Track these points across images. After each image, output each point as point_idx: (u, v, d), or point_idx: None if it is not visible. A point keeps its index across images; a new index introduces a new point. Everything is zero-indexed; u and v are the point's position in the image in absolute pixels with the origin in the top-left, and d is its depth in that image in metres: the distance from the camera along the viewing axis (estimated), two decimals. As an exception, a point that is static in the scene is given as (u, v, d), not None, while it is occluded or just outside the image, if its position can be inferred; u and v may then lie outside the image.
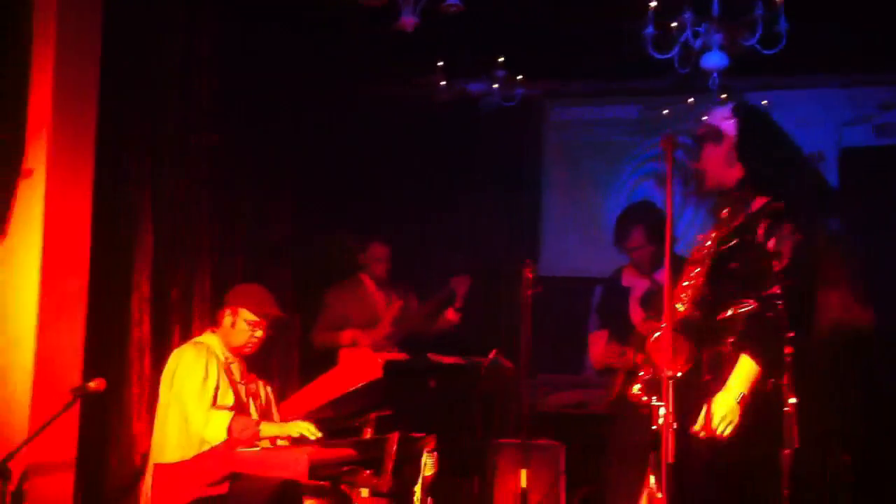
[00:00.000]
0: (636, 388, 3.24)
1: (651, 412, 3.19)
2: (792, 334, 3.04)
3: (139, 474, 4.00)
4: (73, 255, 4.06)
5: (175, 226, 4.67)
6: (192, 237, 4.77)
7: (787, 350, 3.02)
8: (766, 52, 4.76)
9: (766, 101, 5.82)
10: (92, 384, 3.65)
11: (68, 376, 3.92)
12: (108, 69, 4.22)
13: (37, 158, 3.98)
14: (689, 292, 3.24)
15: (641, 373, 3.26)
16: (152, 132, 4.56)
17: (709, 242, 3.24)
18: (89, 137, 4.15)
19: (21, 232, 3.95)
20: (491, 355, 4.21)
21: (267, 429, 3.87)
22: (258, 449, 3.67)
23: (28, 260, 3.92)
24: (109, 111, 4.26)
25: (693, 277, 3.21)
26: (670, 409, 2.86)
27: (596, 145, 6.74)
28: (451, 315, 5.22)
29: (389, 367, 3.69)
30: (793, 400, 2.97)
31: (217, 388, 3.87)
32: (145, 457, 3.99)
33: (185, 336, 4.46)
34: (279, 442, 3.90)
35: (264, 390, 4.14)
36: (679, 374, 2.96)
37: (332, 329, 5.17)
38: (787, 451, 2.97)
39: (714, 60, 4.95)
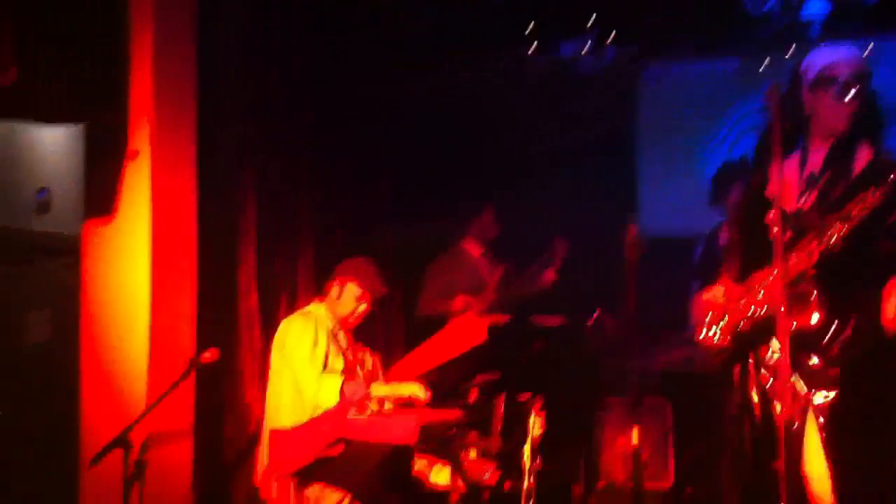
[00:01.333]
0: (714, 330, 3.17)
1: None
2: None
3: (255, 441, 4.10)
4: (181, 231, 4.17)
5: (277, 199, 4.75)
6: (293, 211, 4.84)
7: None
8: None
9: (867, 53, 5.56)
10: (206, 355, 3.75)
11: (183, 349, 4.06)
12: (205, 48, 4.29)
13: (141, 141, 4.09)
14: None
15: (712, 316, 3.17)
16: (252, 108, 4.63)
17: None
18: (190, 117, 4.25)
19: (130, 212, 4.08)
20: (595, 315, 4.17)
21: (378, 389, 3.93)
22: (367, 415, 3.72)
23: (138, 239, 4.04)
24: (209, 90, 4.34)
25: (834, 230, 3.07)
26: (788, 362, 2.75)
27: (693, 102, 6.54)
28: (549, 275, 5.19)
29: (494, 330, 3.69)
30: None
31: (327, 355, 3.95)
32: (259, 424, 4.09)
33: (292, 306, 4.55)
34: (387, 406, 3.95)
35: (370, 359, 4.20)
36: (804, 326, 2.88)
37: (441, 297, 5.20)
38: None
39: (815, 8, 4.74)
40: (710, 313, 3.22)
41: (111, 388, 4.03)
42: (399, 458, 3.71)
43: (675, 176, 6.47)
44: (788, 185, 3.14)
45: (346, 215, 5.19)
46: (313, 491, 3.72)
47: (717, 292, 3.26)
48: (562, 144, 6.33)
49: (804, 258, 3.04)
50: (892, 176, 2.96)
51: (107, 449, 3.48)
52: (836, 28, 5.25)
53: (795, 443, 3.05)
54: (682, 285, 4.72)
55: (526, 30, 5.76)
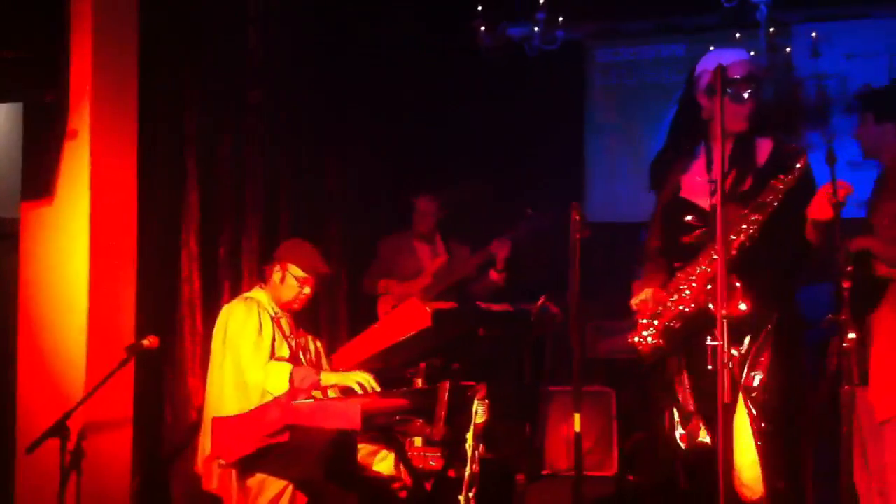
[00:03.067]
0: (645, 334, 3.22)
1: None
2: (850, 269, 2.97)
3: (195, 430, 4.04)
4: (121, 214, 4.09)
5: (221, 182, 4.69)
6: (238, 193, 4.78)
7: (846, 284, 2.95)
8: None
9: (814, 34, 5.65)
10: (146, 341, 3.69)
11: (122, 335, 3.99)
12: (147, 29, 4.21)
13: (81, 121, 4.00)
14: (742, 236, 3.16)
15: (645, 320, 3.24)
16: (196, 90, 4.56)
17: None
18: (131, 98, 4.17)
19: (69, 194, 3.99)
20: (539, 302, 4.17)
21: (327, 377, 3.90)
22: (311, 401, 3.69)
23: (77, 221, 3.96)
24: (151, 71, 4.26)
25: (749, 222, 3.13)
26: (726, 349, 2.79)
27: (642, 87, 6.60)
28: (494, 276, 5.18)
29: (438, 316, 3.67)
30: (852, 335, 2.91)
31: (273, 342, 3.90)
32: (200, 411, 4.04)
33: (235, 292, 4.49)
34: (330, 393, 3.91)
35: (313, 344, 4.16)
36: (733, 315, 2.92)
37: (378, 277, 5.22)
38: (847, 388, 2.92)
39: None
40: (641, 317, 3.29)
41: (48, 375, 3.95)
42: (342, 445, 3.68)
43: (622, 161, 6.51)
44: (698, 186, 3.23)
45: (292, 201, 5.12)
46: (255, 480, 3.67)
47: (646, 295, 3.32)
48: (510, 128, 6.32)
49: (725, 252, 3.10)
50: (798, 162, 3.06)
51: (43, 437, 3.41)
52: (782, 11, 5.32)
53: (727, 431, 3.11)
54: (629, 272, 4.75)
55: (475, 8, 5.75)
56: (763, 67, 3.29)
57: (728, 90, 3.10)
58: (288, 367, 3.80)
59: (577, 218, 3.52)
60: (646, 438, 5.11)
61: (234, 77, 4.81)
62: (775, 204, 3.10)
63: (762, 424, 3.13)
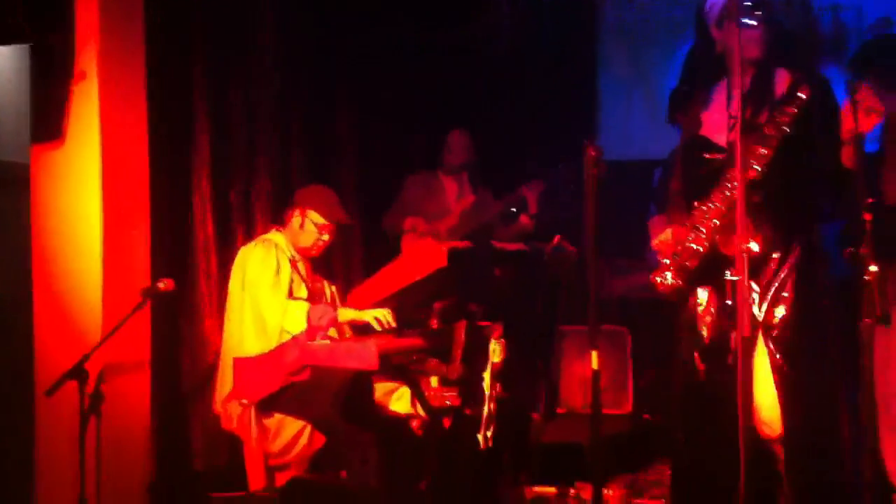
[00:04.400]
0: (667, 274, 3.20)
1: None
2: (871, 200, 2.93)
3: (212, 371, 4.06)
4: (132, 156, 4.06)
5: (231, 124, 4.64)
6: (249, 136, 4.73)
7: (866, 217, 2.92)
8: None
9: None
10: (161, 284, 3.69)
11: (137, 278, 3.98)
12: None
13: (88, 62, 3.95)
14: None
15: (667, 260, 3.21)
16: (205, 32, 4.50)
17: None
18: (139, 40, 4.13)
19: (78, 137, 3.96)
20: (554, 241, 4.16)
21: (344, 314, 3.90)
22: (328, 342, 3.69)
23: (88, 164, 3.93)
24: (160, 12, 4.21)
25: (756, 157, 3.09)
26: (746, 284, 2.77)
27: (653, 23, 6.48)
28: (525, 220, 5.12)
29: (454, 255, 3.66)
30: (873, 268, 2.88)
31: (291, 282, 3.91)
32: (217, 354, 4.05)
33: (249, 234, 4.48)
34: (347, 333, 3.92)
35: (329, 289, 4.16)
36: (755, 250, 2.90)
37: (405, 214, 5.16)
38: (867, 321, 2.89)
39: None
40: (663, 257, 3.27)
41: (65, 319, 3.95)
42: (359, 385, 3.69)
43: (635, 98, 6.42)
44: (717, 123, 3.19)
45: (303, 143, 5.07)
46: (273, 420, 3.70)
47: (667, 235, 3.30)
48: (521, 69, 6.23)
49: (735, 188, 3.06)
50: (801, 92, 3.01)
51: (62, 380, 3.43)
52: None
53: (746, 369, 3.11)
54: (643, 211, 4.71)
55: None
56: None
57: (737, 19, 3.04)
58: (305, 305, 3.82)
59: (593, 154, 3.48)
60: (661, 376, 5.12)
61: (245, 20, 4.73)
62: (781, 136, 3.05)
63: (782, 362, 3.13)
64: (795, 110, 3.07)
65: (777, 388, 3.14)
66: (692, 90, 3.47)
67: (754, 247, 2.97)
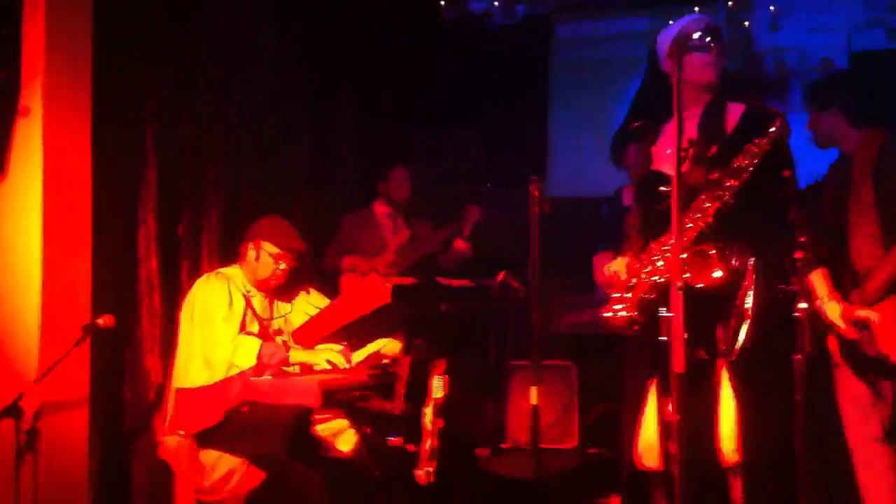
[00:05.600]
0: (618, 308, 3.21)
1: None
2: (803, 239, 3.00)
3: (154, 409, 4.02)
4: (75, 192, 4.03)
5: (179, 160, 4.62)
6: (198, 171, 4.73)
7: (798, 255, 2.98)
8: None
9: (773, 7, 5.67)
10: (101, 321, 3.66)
11: (78, 314, 3.93)
12: (103, 8, 4.15)
13: (33, 97, 3.93)
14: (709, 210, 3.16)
15: (618, 294, 3.23)
16: (155, 67, 4.49)
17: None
18: (86, 75, 4.10)
19: (21, 171, 3.93)
20: (499, 277, 4.16)
21: (296, 354, 3.88)
22: (270, 378, 3.67)
23: (30, 199, 3.90)
24: (109, 48, 4.20)
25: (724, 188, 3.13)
26: (680, 320, 2.79)
27: (605, 61, 6.60)
28: (459, 245, 5.18)
29: (398, 291, 3.65)
30: (803, 305, 2.94)
31: (243, 317, 3.89)
32: (160, 390, 4.01)
33: (195, 270, 4.46)
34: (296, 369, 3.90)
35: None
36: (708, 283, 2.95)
37: (341, 254, 5.21)
38: (798, 357, 2.95)
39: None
40: (615, 289, 3.27)
41: (1, 354, 3.89)
42: (300, 423, 3.68)
43: (586, 135, 6.52)
44: (668, 156, 3.22)
45: (254, 177, 5.08)
46: (209, 456, 3.67)
47: (618, 266, 3.31)
48: (474, 103, 6.30)
49: (699, 219, 3.10)
50: (772, 126, 3.06)
51: (-3, 417, 3.38)
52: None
53: (710, 400, 3.14)
54: (592, 247, 4.77)
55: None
56: (718, 25, 3.27)
57: (691, 43, 3.11)
58: (257, 342, 3.79)
59: (536, 193, 3.53)
60: (608, 410, 5.15)
61: (196, 54, 4.73)
62: (751, 168, 3.08)
63: (742, 389, 3.14)
64: (767, 144, 3.09)
65: (737, 416, 3.14)
66: (642, 127, 3.52)
67: (717, 274, 3.02)
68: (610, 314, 3.23)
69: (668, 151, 3.24)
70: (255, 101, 5.14)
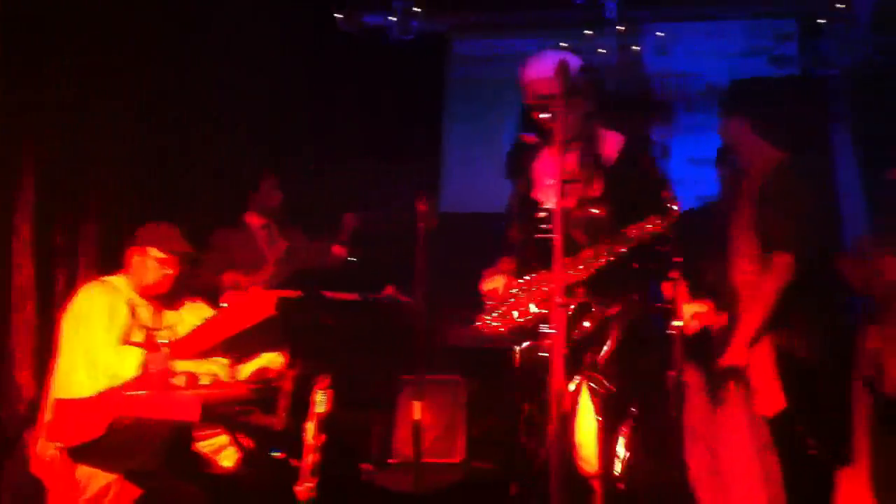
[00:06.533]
0: (488, 318, 3.27)
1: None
2: (679, 259, 3.08)
3: (25, 424, 3.87)
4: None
5: (59, 168, 4.49)
6: (77, 179, 4.59)
7: (673, 275, 3.06)
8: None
9: (662, 34, 5.83)
10: (-31, 332, 3.52)
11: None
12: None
13: None
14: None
15: (491, 304, 3.28)
16: (28, 72, 4.36)
17: None
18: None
19: None
20: (387, 291, 4.16)
21: (181, 364, 3.79)
22: (147, 392, 3.58)
23: None
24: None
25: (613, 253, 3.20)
26: (561, 336, 2.84)
27: (499, 80, 6.67)
28: (336, 250, 5.13)
29: (282, 305, 3.61)
30: (678, 322, 3.02)
31: (127, 327, 3.79)
32: (32, 405, 3.87)
33: (71, 281, 4.33)
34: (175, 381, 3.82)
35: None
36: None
37: (217, 271, 5.01)
38: (672, 373, 3.03)
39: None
40: (491, 302, 3.33)
41: None
42: (179, 438, 3.60)
43: (479, 152, 6.58)
44: (547, 186, 3.27)
45: (135, 184, 4.96)
46: (83, 472, 3.56)
47: (497, 283, 3.36)
48: (368, 117, 6.30)
49: (582, 270, 3.16)
50: (674, 208, 3.11)
51: None
52: (632, 11, 5.45)
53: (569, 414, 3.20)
54: (484, 261, 4.80)
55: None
56: (580, 68, 3.27)
57: (536, 101, 3.16)
58: (140, 351, 3.70)
59: (424, 209, 3.54)
60: (494, 425, 5.20)
61: (76, 58, 4.61)
62: (640, 241, 3.15)
63: (603, 401, 3.21)
64: (664, 230, 3.14)
65: (598, 427, 3.21)
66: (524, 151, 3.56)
67: (587, 323, 3.10)
68: (481, 323, 3.37)
69: (549, 182, 3.29)
70: (139, 105, 5.02)
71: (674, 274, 3.07)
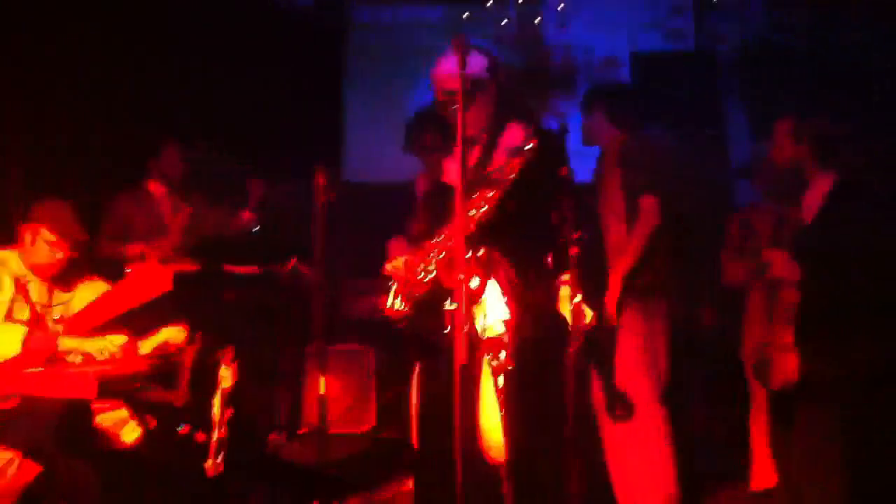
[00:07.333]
0: (395, 301, 3.31)
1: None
2: (577, 235, 3.14)
3: None
4: None
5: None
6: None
7: (573, 251, 3.12)
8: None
9: (562, 6, 5.89)
10: None
11: None
12: None
13: None
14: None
15: (396, 287, 3.32)
16: None
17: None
18: None
19: None
20: (290, 264, 4.15)
21: (65, 343, 3.71)
22: (41, 369, 3.51)
23: None
24: None
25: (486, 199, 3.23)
26: (463, 313, 2.87)
27: (400, 48, 6.65)
28: (245, 215, 5.05)
29: (180, 279, 3.57)
30: (578, 298, 3.08)
31: (12, 303, 3.69)
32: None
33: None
34: (70, 358, 3.74)
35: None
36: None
37: (117, 240, 4.86)
38: (571, 349, 3.10)
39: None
40: (394, 284, 3.35)
41: None
42: (77, 414, 3.53)
43: (381, 121, 6.55)
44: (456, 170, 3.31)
45: (23, 154, 4.79)
46: (-20, 448, 3.47)
47: (398, 263, 3.38)
48: (267, 86, 6.19)
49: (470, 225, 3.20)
50: (529, 143, 3.19)
51: None
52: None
53: (472, 397, 3.26)
54: (386, 231, 4.82)
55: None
56: (486, 64, 3.33)
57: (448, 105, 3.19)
58: (22, 329, 3.60)
59: (323, 183, 3.51)
60: (400, 394, 5.24)
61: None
62: (505, 180, 3.16)
63: (504, 389, 3.27)
64: (523, 160, 3.20)
65: (502, 413, 3.26)
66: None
67: (475, 283, 3.12)
68: (388, 305, 3.34)
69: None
70: (33, 72, 4.84)
71: (573, 250, 3.12)
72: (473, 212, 3.18)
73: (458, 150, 2.95)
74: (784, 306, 3.39)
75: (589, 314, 3.36)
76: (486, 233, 3.19)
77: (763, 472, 4.20)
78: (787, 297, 3.39)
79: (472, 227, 3.17)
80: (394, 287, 3.36)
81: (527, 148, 3.19)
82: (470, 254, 3.06)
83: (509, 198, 3.21)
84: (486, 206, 3.19)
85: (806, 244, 3.41)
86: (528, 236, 3.31)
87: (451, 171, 3.43)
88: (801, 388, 3.33)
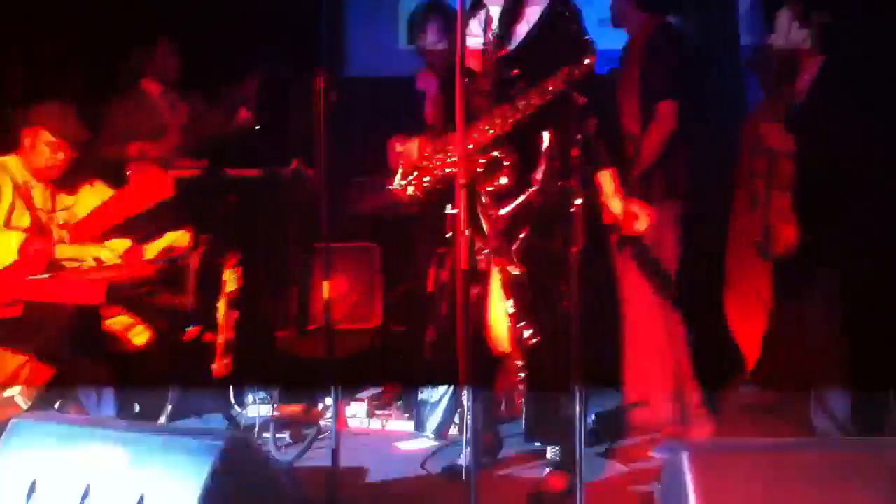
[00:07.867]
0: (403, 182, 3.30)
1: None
2: (580, 137, 3.09)
3: None
4: None
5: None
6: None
7: (574, 153, 3.08)
8: None
9: None
10: None
11: None
12: None
13: None
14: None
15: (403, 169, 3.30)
16: None
17: None
18: None
19: None
20: (292, 166, 4.12)
21: (63, 250, 3.73)
22: (48, 276, 3.53)
23: None
24: None
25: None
26: (463, 216, 2.85)
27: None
28: (244, 114, 4.89)
29: (182, 184, 3.56)
30: (579, 200, 3.05)
31: (12, 209, 3.69)
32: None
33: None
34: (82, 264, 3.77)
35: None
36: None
37: (117, 143, 4.72)
38: (574, 249, 3.08)
39: None
40: (403, 166, 3.32)
41: None
42: (87, 318, 3.58)
43: (385, 16, 6.39)
44: (474, 53, 3.25)
45: (26, 54, 4.70)
46: (-6, 353, 3.54)
47: (411, 147, 3.34)
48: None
49: (499, 125, 3.16)
50: (587, 59, 3.11)
51: None
52: None
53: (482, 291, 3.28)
54: (391, 127, 4.76)
55: None
56: None
57: None
58: (20, 235, 3.61)
59: (322, 85, 3.43)
60: (411, 289, 5.26)
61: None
62: (556, 93, 3.13)
63: (512, 279, 3.28)
64: (580, 76, 3.13)
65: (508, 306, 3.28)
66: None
67: (503, 180, 3.14)
68: (395, 186, 3.32)
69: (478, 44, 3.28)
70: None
71: (575, 151, 3.08)
72: (510, 111, 3.15)
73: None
74: (781, 176, 3.58)
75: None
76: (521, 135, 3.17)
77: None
78: (783, 167, 3.58)
79: (509, 126, 3.15)
80: (402, 169, 3.33)
81: (586, 63, 3.11)
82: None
83: (531, 126, 3.16)
84: (532, 109, 3.16)
85: (798, 117, 3.59)
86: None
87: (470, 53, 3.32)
88: (800, 255, 3.54)
